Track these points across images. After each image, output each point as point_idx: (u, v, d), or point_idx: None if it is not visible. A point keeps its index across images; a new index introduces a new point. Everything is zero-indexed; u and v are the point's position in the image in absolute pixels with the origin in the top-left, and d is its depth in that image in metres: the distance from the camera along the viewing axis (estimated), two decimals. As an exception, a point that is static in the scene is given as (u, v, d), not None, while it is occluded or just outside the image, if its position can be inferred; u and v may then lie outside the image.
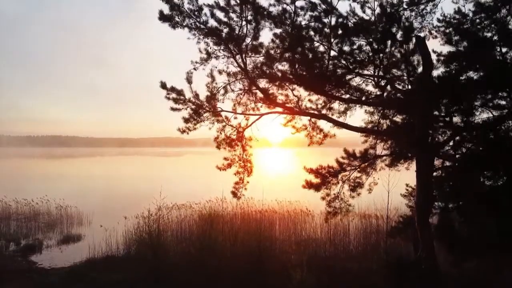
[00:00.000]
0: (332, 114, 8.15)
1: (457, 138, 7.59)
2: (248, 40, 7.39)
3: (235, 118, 7.85)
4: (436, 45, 10.78)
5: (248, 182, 8.07)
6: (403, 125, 7.76)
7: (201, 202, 22.73)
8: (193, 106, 7.32)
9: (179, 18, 7.13)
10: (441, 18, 10.89)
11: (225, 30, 7.27)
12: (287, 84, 7.60)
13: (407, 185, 9.58)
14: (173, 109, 7.49)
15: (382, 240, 16.04)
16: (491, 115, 8.06)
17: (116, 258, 15.88)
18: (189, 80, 7.22)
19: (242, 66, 7.44)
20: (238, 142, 7.73)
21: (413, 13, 10.96)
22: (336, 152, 9.08)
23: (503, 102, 8.12)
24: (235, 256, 14.41)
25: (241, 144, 7.76)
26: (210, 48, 7.39)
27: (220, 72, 7.56)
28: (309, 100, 7.86)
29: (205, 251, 14.75)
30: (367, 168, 8.19)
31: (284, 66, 7.42)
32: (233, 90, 7.64)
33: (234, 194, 8.06)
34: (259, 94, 7.70)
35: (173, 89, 7.25)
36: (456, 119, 7.96)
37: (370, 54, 7.71)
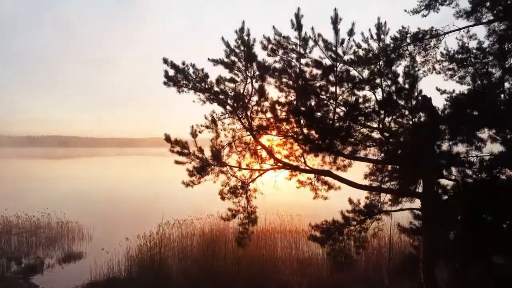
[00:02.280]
0: (337, 168, 8.13)
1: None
2: (253, 100, 7.40)
3: (240, 170, 7.84)
4: (439, 82, 10.74)
5: (252, 232, 8.06)
6: (406, 177, 7.76)
7: (203, 217, 22.62)
8: (197, 161, 7.33)
9: (183, 82, 7.13)
10: (444, 52, 10.90)
11: (231, 93, 7.27)
12: (292, 141, 7.60)
13: (411, 222, 9.54)
14: (177, 162, 7.49)
15: (383, 263, 16.01)
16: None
17: (117, 280, 15.85)
18: (193, 135, 7.21)
19: (247, 126, 7.43)
20: (243, 193, 7.72)
21: (417, 48, 10.98)
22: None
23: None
24: (237, 281, 14.42)
25: (245, 196, 7.75)
26: (216, 114, 7.40)
27: (224, 130, 7.56)
28: (315, 155, 7.83)
29: (207, 277, 14.78)
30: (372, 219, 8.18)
31: (289, 123, 7.41)
32: (236, 148, 7.64)
33: (239, 243, 8.04)
34: (264, 152, 7.69)
35: (177, 142, 7.24)
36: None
37: (375, 106, 7.69)
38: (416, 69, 11.05)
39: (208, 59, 7.27)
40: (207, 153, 7.36)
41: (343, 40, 7.35)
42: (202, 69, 7.25)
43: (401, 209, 8.32)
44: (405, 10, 10.66)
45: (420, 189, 7.58)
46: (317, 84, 7.43)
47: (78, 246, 21.68)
